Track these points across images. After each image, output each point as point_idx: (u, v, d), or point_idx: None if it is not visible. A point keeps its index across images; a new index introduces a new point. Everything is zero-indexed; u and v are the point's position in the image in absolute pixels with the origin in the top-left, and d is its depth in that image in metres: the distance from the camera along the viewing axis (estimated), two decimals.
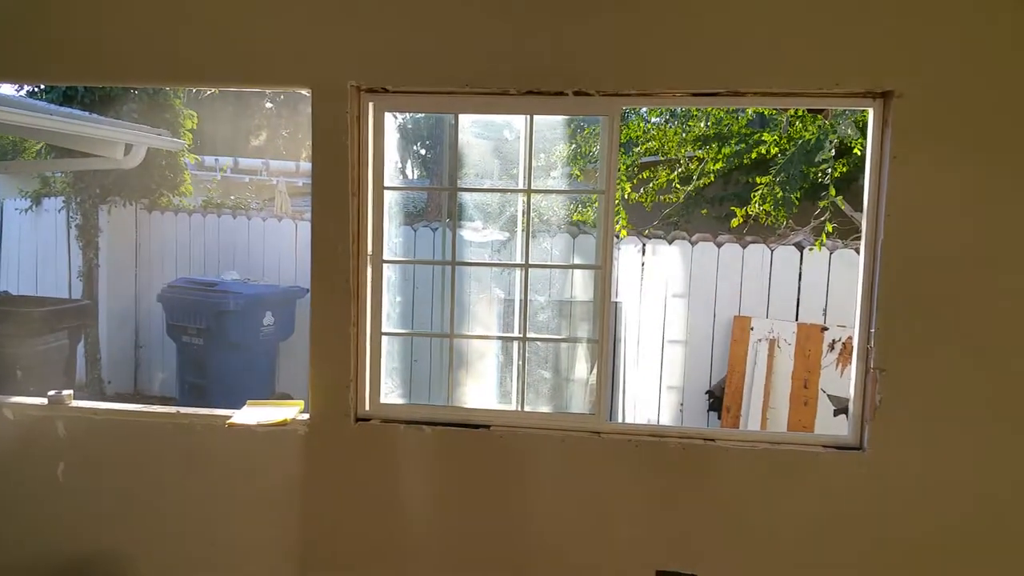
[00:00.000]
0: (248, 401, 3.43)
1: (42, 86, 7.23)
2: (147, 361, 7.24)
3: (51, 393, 3.36)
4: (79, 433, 3.32)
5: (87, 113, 6.21)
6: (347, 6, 3.01)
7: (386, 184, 3.17)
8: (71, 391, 3.41)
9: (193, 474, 3.26)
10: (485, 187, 3.83)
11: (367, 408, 3.16)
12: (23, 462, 3.34)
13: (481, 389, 3.76)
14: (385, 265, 3.20)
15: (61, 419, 3.32)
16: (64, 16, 3.15)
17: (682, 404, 5.92)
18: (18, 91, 7.57)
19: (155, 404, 3.61)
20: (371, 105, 3.11)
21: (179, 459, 3.27)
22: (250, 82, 3.43)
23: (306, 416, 3.20)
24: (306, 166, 12.48)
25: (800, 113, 6.19)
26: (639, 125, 7.23)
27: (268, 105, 16.35)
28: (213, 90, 9.82)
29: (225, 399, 3.61)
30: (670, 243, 5.93)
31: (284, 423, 3.19)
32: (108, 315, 7.01)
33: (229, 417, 3.23)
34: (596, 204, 3.30)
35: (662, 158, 7.03)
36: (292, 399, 3.62)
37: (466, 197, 3.75)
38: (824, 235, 5.68)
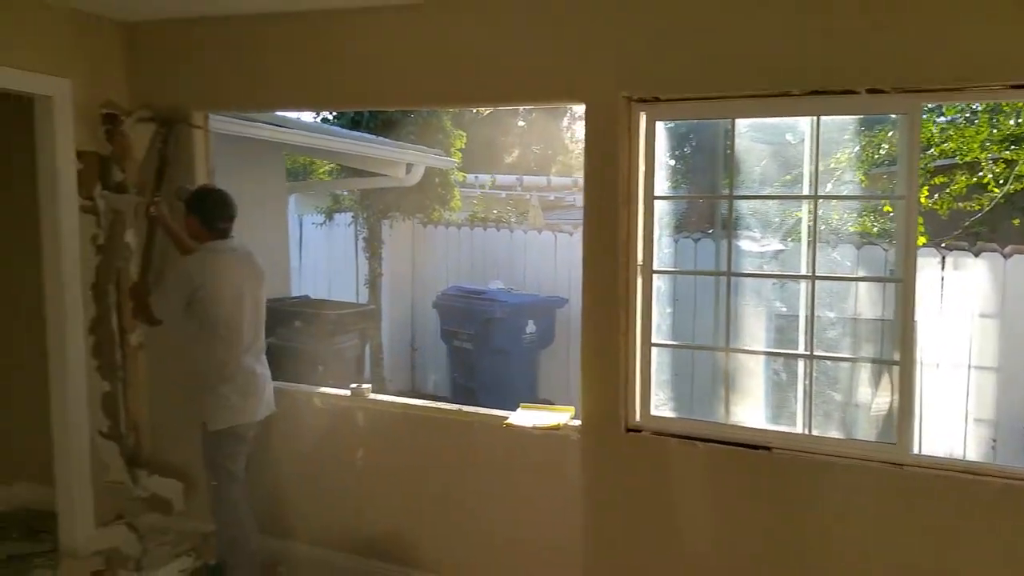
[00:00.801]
0: (521, 404, 3.57)
1: (332, 113, 8.15)
2: (422, 362, 7.86)
3: (353, 386, 3.75)
4: (375, 423, 3.67)
5: (374, 136, 6.92)
6: (617, 19, 3.02)
7: (657, 194, 3.13)
8: (369, 385, 3.79)
9: (473, 468, 3.46)
10: (766, 194, 3.64)
11: (638, 419, 3.14)
12: (329, 446, 3.76)
13: (749, 408, 3.58)
14: (655, 276, 3.16)
15: (361, 410, 3.69)
16: (347, 49, 3.48)
17: (994, 440, 5.17)
18: (314, 118, 8.54)
19: (429, 402, 3.89)
20: (643, 115, 3.09)
21: (460, 453, 3.49)
22: (527, 100, 3.59)
23: (578, 422, 3.25)
24: (557, 180, 12.85)
25: None
26: (930, 125, 6.50)
27: (520, 123, 17.18)
28: (479, 111, 10.43)
29: (492, 401, 3.80)
30: (976, 256, 5.22)
31: (557, 427, 3.26)
32: (389, 319, 7.70)
33: (506, 418, 3.38)
34: (881, 212, 3.00)
35: (960, 161, 6.26)
36: (554, 405, 3.72)
37: (741, 206, 3.60)
38: None
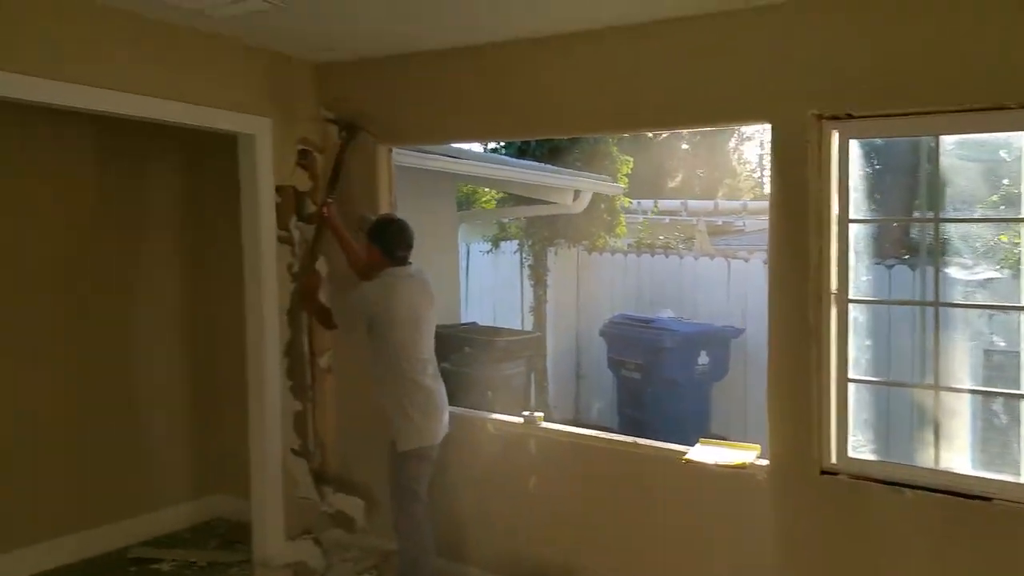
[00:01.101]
0: (700, 439, 3.42)
1: (500, 143, 8.32)
2: (586, 391, 7.79)
3: (525, 413, 3.75)
4: (548, 452, 3.64)
5: (542, 164, 7.01)
6: (805, 32, 2.86)
7: (851, 216, 2.92)
8: (542, 413, 3.77)
9: (648, 504, 3.34)
10: (976, 216, 3.30)
11: (833, 460, 2.90)
12: (501, 472, 3.76)
13: (955, 453, 3.23)
14: (851, 305, 2.93)
15: (533, 437, 3.68)
16: (530, 79, 3.52)
17: None
18: (483, 148, 8.75)
19: (603, 432, 3.80)
20: (834, 133, 2.90)
21: (635, 488, 3.38)
22: (709, 121, 3.48)
23: (765, 462, 3.06)
24: (724, 204, 12.43)
25: None
26: None
27: (684, 147, 16.86)
28: (650, 135, 10.32)
29: (661, 434, 3.67)
30: None
31: (742, 466, 3.09)
32: (553, 347, 7.71)
33: (685, 453, 3.24)
34: None
35: None
36: (728, 441, 3.53)
37: (948, 230, 3.28)
38: None
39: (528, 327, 8.05)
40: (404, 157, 4.29)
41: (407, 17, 3.24)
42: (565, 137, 6.71)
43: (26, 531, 3.92)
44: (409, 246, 3.51)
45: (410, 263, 3.53)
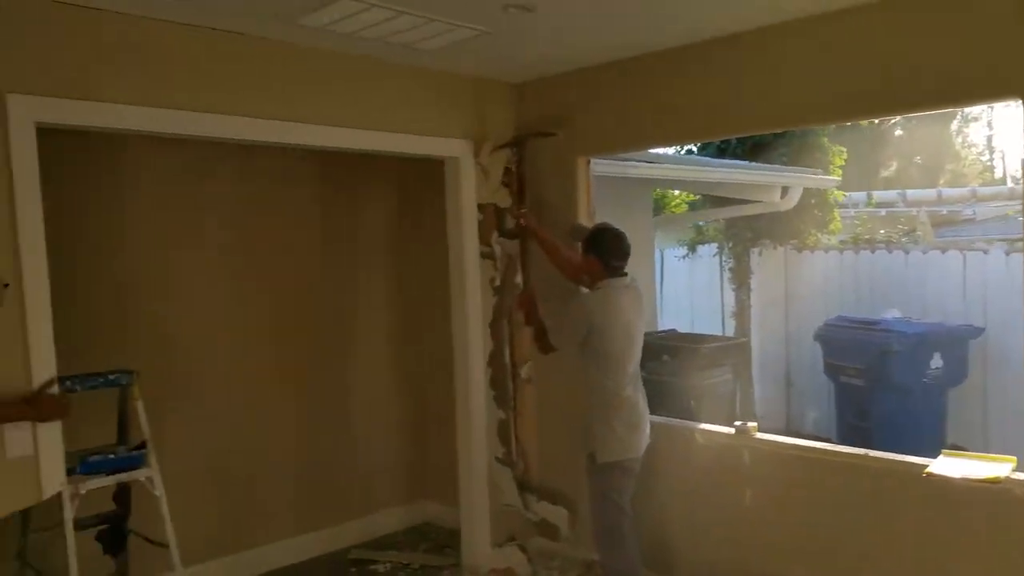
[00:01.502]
0: (942, 451, 3.04)
1: (696, 145, 8.04)
2: (797, 399, 7.29)
3: (737, 423, 3.55)
4: (763, 463, 3.42)
5: (746, 162, 6.70)
6: None
7: None
8: (755, 423, 3.55)
9: (880, 521, 3.02)
10: None
11: None
12: (711, 483, 3.59)
13: None
14: None
15: (747, 448, 3.47)
16: (741, 74, 3.35)
17: None
18: (676, 151, 8.52)
19: (828, 444, 3.50)
20: None
21: (865, 503, 3.07)
22: (950, 102, 3.12)
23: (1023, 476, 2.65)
24: (949, 192, 11.25)
25: None
26: None
27: (898, 133, 15.47)
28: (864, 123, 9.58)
29: (887, 445, 3.30)
30: None
31: (995, 480, 2.69)
32: (759, 352, 7.30)
33: (926, 466, 2.89)
34: None
35: None
36: (967, 452, 3.11)
37: None
38: None
39: (729, 332, 7.71)
40: (602, 167, 4.25)
41: (612, 27, 3.21)
42: (776, 131, 6.37)
43: (260, 533, 4.27)
44: (626, 255, 3.44)
45: (626, 273, 3.46)
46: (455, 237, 4.08)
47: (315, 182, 4.51)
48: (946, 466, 2.86)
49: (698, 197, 8.64)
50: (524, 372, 4.21)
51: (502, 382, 4.16)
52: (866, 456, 3.11)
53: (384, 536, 4.75)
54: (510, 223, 4.14)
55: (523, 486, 4.22)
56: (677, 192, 9.02)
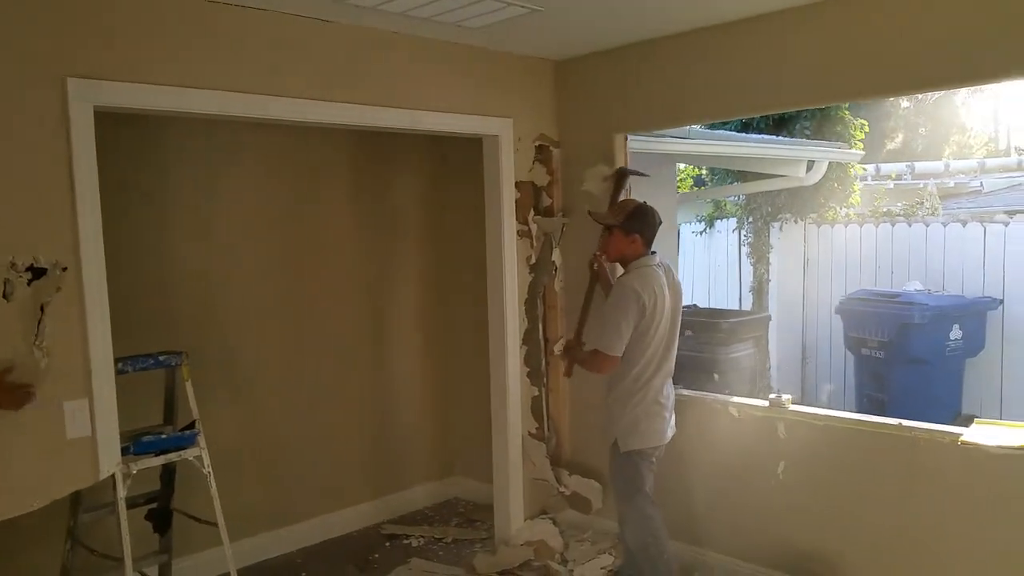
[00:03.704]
0: (976, 420, 3.11)
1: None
2: (814, 372, 7.37)
3: (772, 396, 3.62)
4: (798, 436, 3.49)
5: (775, 136, 6.69)
6: None
7: None
8: (790, 396, 3.61)
9: (915, 489, 3.10)
10: None
11: None
12: (747, 458, 3.66)
13: None
14: None
15: (782, 421, 3.53)
16: (775, 51, 3.34)
17: None
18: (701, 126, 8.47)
19: (863, 415, 3.56)
20: None
21: (899, 472, 3.14)
22: (964, 80, 3.14)
23: None
24: (956, 164, 11.26)
25: None
26: None
27: (904, 104, 15.35)
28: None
29: (907, 415, 3.33)
30: None
31: None
32: (777, 326, 7.36)
33: (960, 435, 2.97)
34: None
35: None
36: (983, 420, 3.17)
37: None
38: None
39: (748, 307, 7.77)
40: (633, 142, 4.26)
41: (659, 2, 3.19)
42: (815, 107, 6.39)
43: (295, 510, 4.34)
44: (655, 231, 3.34)
45: (654, 251, 3.36)
46: (493, 215, 4.08)
47: (352, 161, 4.53)
48: (980, 434, 2.93)
49: (704, 172, 8.62)
50: (557, 348, 4.28)
51: (536, 358, 4.22)
52: (900, 426, 3.16)
53: (415, 511, 4.85)
54: (547, 201, 4.18)
55: (555, 460, 4.29)
56: (682, 166, 8.97)
